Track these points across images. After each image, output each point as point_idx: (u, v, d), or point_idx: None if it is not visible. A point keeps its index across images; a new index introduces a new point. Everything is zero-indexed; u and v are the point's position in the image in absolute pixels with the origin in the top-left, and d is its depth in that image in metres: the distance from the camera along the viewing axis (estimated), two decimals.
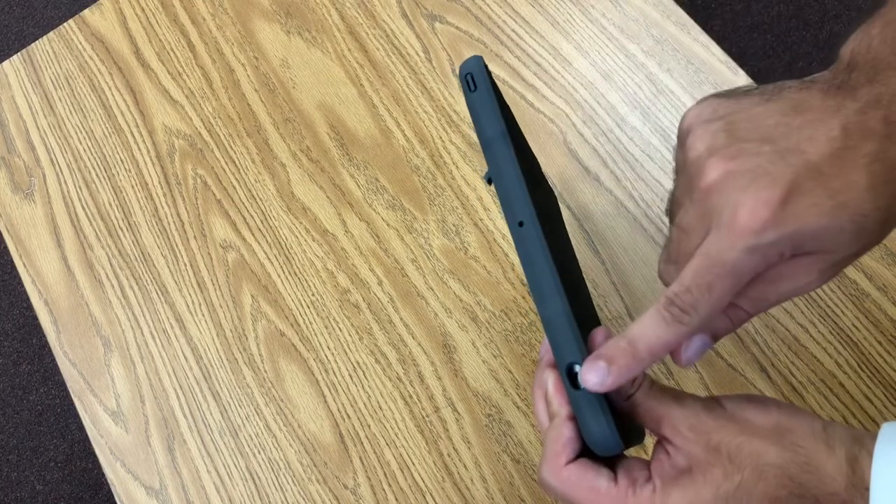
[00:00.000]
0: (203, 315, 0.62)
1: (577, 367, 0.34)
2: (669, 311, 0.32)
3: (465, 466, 0.55)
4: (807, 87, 0.33)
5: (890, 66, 0.31)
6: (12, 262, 1.47)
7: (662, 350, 0.33)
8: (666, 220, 0.59)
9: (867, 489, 0.30)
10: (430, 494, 0.55)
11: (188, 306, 0.63)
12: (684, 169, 0.34)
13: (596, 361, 0.33)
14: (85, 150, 0.70)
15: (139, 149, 0.69)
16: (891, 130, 0.30)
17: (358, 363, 0.59)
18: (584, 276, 0.58)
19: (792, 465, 0.32)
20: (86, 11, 0.76)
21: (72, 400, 0.62)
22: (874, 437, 0.31)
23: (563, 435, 0.34)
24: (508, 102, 0.66)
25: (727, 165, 0.31)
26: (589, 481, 0.33)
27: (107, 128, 0.70)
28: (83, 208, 0.68)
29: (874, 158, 0.30)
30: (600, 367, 0.33)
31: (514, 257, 0.60)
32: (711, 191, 0.32)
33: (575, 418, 0.35)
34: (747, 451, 0.32)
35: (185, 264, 0.64)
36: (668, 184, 0.60)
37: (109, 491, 1.36)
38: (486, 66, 0.37)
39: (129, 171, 0.68)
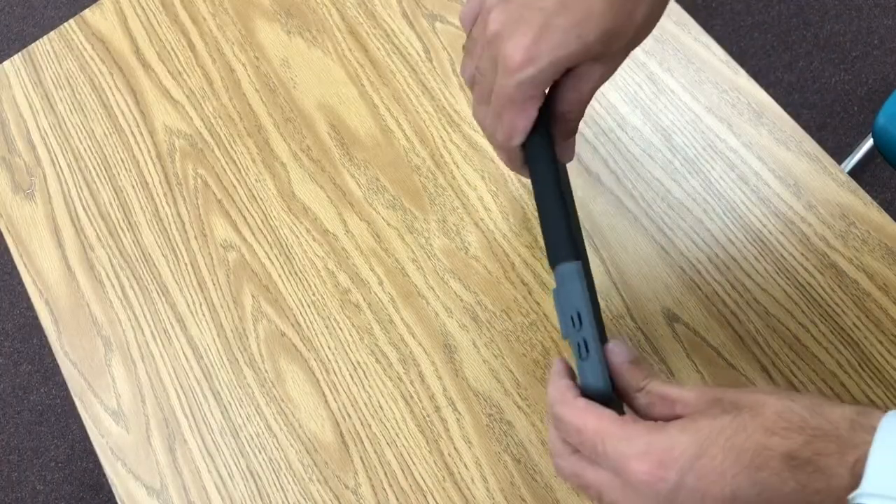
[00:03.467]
0: (204, 315, 0.62)
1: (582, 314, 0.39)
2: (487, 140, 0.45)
3: (465, 466, 0.55)
4: None
5: None
6: (12, 262, 1.47)
7: (504, 158, 0.46)
8: (667, 219, 0.59)
9: (874, 428, 0.32)
10: (431, 494, 0.55)
11: (189, 306, 0.63)
12: (480, 17, 0.43)
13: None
14: (85, 150, 0.70)
15: (140, 149, 0.69)
16: None
17: (358, 363, 0.59)
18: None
19: (794, 405, 0.34)
20: (86, 11, 0.76)
21: (72, 400, 0.62)
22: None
23: (565, 382, 0.40)
24: None
25: (500, 17, 0.40)
26: (597, 410, 0.37)
27: (107, 127, 0.70)
28: (84, 208, 0.68)
29: None
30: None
31: (515, 257, 0.60)
32: (492, 40, 0.41)
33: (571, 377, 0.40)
34: (749, 398, 0.35)
35: (186, 264, 0.64)
36: (669, 183, 0.60)
37: (110, 491, 1.36)
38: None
39: (130, 170, 0.68)
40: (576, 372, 0.40)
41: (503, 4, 0.41)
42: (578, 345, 0.39)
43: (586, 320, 0.39)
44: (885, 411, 0.33)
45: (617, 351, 0.40)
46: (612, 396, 0.39)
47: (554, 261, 0.41)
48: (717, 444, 0.34)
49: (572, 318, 0.39)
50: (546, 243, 0.42)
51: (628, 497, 0.36)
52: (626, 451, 0.36)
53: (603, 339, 0.42)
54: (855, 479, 0.31)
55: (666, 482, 0.35)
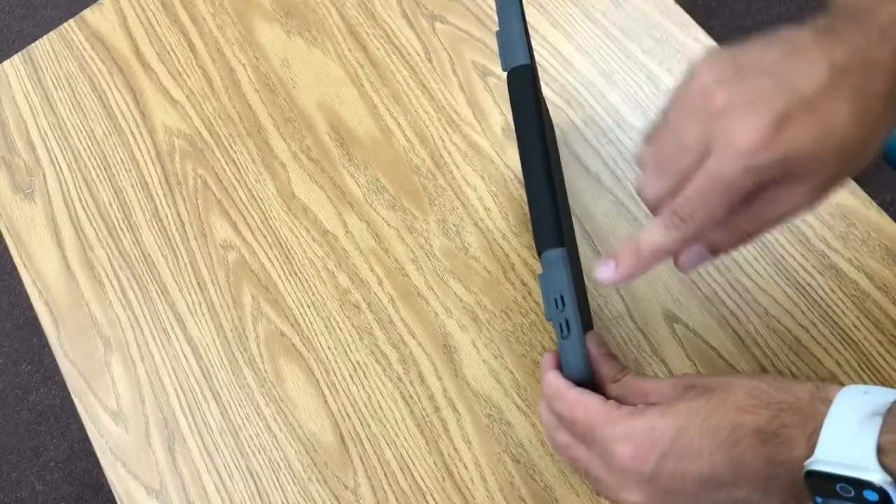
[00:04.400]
0: (203, 315, 0.62)
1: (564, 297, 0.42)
2: (671, 219, 0.38)
3: (465, 466, 0.55)
4: (801, 32, 0.37)
5: (869, 14, 0.35)
6: (12, 262, 1.47)
7: (662, 252, 0.39)
8: None
9: (831, 401, 0.34)
10: (431, 494, 0.55)
11: (188, 306, 0.63)
12: (687, 97, 0.39)
13: (606, 260, 0.41)
14: (85, 150, 0.70)
15: (139, 149, 0.69)
16: (870, 69, 0.35)
17: (358, 363, 0.59)
18: (585, 275, 0.58)
19: (761, 384, 0.37)
20: (86, 11, 0.76)
21: (72, 400, 0.62)
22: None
23: (557, 377, 0.42)
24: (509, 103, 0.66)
25: (731, 95, 0.36)
26: (585, 401, 0.40)
27: (107, 128, 0.70)
28: (83, 208, 0.68)
29: (856, 93, 0.35)
30: (609, 264, 0.40)
31: (515, 257, 0.60)
32: (716, 116, 0.36)
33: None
34: (720, 381, 0.38)
35: (186, 264, 0.64)
36: None
37: (110, 491, 1.36)
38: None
39: (130, 170, 0.68)
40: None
41: (736, 80, 0.36)
42: (560, 325, 0.41)
43: (568, 302, 0.41)
44: (843, 386, 0.35)
45: (594, 340, 0.44)
46: (590, 376, 0.42)
47: (541, 247, 0.43)
48: (694, 426, 0.36)
49: (556, 301, 0.42)
50: (534, 231, 0.44)
51: (613, 477, 0.39)
52: (609, 435, 0.38)
53: (587, 327, 0.45)
54: (811, 449, 0.33)
55: (647, 464, 0.37)
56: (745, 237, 0.40)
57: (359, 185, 0.65)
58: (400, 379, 0.58)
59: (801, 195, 0.37)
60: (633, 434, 0.38)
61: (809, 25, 0.37)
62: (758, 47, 0.38)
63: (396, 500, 0.55)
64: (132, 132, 0.70)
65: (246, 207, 0.65)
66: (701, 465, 0.36)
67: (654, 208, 0.40)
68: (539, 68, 0.66)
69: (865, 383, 0.53)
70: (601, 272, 0.41)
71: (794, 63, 0.36)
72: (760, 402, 0.36)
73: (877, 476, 0.31)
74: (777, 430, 0.35)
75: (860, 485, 0.32)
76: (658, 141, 0.40)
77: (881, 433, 0.32)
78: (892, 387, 0.53)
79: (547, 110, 0.58)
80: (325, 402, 0.58)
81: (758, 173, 0.35)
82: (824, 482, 0.33)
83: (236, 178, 0.67)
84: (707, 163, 0.36)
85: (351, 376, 0.59)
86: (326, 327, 0.60)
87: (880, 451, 0.32)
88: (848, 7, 0.37)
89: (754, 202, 0.37)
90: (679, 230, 0.38)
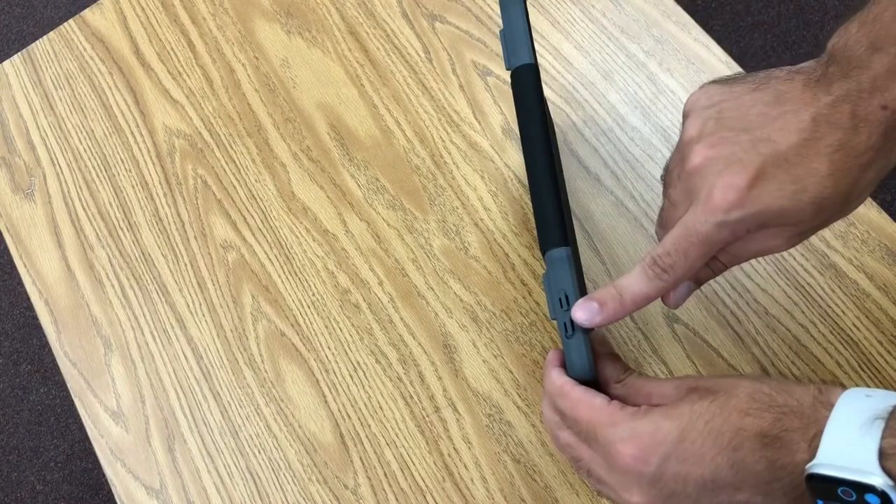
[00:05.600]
0: (203, 315, 0.62)
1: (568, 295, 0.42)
2: (652, 269, 0.39)
3: (465, 466, 0.55)
4: (791, 78, 0.37)
5: (860, 64, 0.35)
6: (12, 262, 1.47)
7: (644, 301, 0.40)
8: None
9: (832, 405, 0.34)
10: (431, 494, 0.55)
11: (188, 306, 0.63)
12: (679, 147, 0.40)
13: (589, 302, 0.41)
14: (85, 150, 0.70)
15: (139, 148, 0.69)
16: (856, 123, 0.34)
17: (358, 363, 0.59)
18: (585, 275, 0.58)
19: (763, 387, 0.37)
20: (86, 11, 0.76)
21: (72, 400, 0.62)
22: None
23: (561, 375, 0.42)
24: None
25: (708, 152, 0.37)
26: (589, 400, 0.40)
27: (107, 127, 0.70)
28: (83, 208, 0.68)
29: (838, 148, 0.35)
30: (592, 307, 0.40)
31: (515, 257, 0.60)
32: (693, 173, 0.38)
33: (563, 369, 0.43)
34: (723, 383, 0.38)
35: (186, 264, 0.64)
36: None
37: (109, 491, 1.36)
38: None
39: (130, 170, 0.68)
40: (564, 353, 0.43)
41: (713, 137, 0.38)
42: (565, 324, 0.41)
43: (573, 301, 0.41)
44: (845, 388, 0.35)
45: (598, 339, 0.44)
46: (594, 376, 0.41)
47: (545, 246, 0.43)
48: (697, 429, 0.36)
49: (560, 300, 0.42)
50: (538, 230, 0.44)
51: (614, 478, 0.39)
52: (612, 436, 0.38)
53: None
54: (813, 453, 0.33)
55: (649, 466, 0.37)
56: (723, 269, 0.41)
57: (359, 185, 0.65)
58: (400, 379, 0.58)
59: (778, 240, 0.38)
60: (635, 436, 0.38)
61: (802, 70, 0.37)
62: (745, 91, 0.38)
63: (396, 500, 0.55)
64: (132, 132, 0.70)
65: (246, 207, 0.65)
66: (703, 468, 0.36)
67: None
68: (539, 68, 0.66)
69: (866, 383, 0.53)
70: (582, 313, 0.40)
71: (777, 115, 0.36)
72: (763, 405, 0.36)
73: (878, 480, 0.31)
74: (779, 433, 0.35)
75: (862, 489, 0.32)
76: (664, 188, 0.43)
77: (883, 437, 0.32)
78: (892, 387, 0.53)
79: (548, 110, 0.58)
80: (325, 402, 0.58)
81: (732, 228, 0.37)
82: (826, 486, 0.33)
83: (236, 178, 0.67)
84: (685, 217, 0.38)
85: (351, 376, 0.59)
86: (326, 327, 0.60)
87: (882, 455, 0.32)
88: (841, 56, 0.36)
89: (732, 244, 0.39)
90: (661, 280, 0.39)
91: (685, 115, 0.40)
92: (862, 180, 0.36)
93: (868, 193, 0.37)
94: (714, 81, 0.41)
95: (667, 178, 0.43)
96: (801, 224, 0.37)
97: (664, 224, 0.42)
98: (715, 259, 0.40)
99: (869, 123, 0.35)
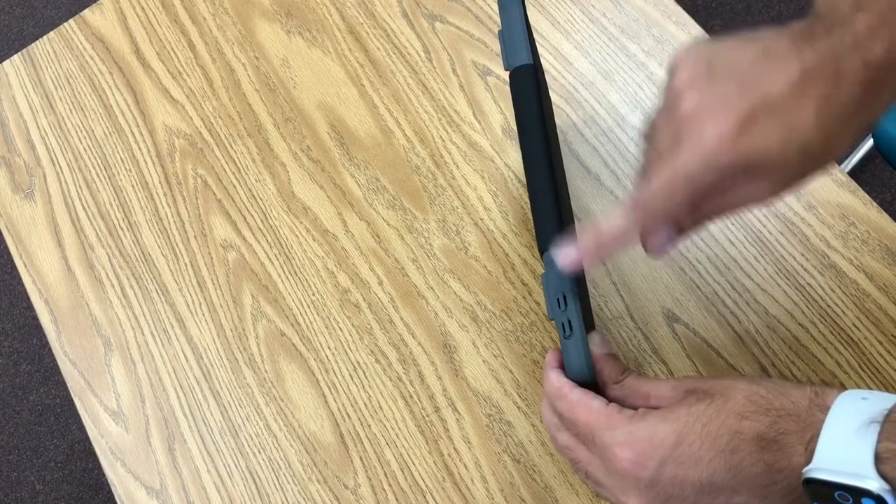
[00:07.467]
0: (203, 315, 0.62)
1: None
2: (634, 204, 0.39)
3: (465, 466, 0.55)
4: (778, 34, 0.38)
5: (844, 21, 0.36)
6: (12, 261, 1.47)
7: (622, 234, 0.40)
8: None
9: (828, 408, 0.34)
10: (431, 494, 0.55)
11: (188, 306, 0.63)
12: (667, 95, 0.40)
13: (566, 246, 0.41)
14: (85, 150, 0.70)
15: (139, 148, 0.69)
16: (839, 77, 0.35)
17: (358, 363, 0.59)
18: (585, 275, 0.58)
19: (760, 390, 0.37)
20: (86, 11, 0.76)
21: (72, 400, 0.62)
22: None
23: (559, 377, 0.42)
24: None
25: (699, 97, 0.37)
26: (587, 403, 0.40)
27: (107, 127, 0.70)
28: (83, 208, 0.68)
29: (823, 99, 0.35)
30: (569, 249, 0.41)
31: (515, 257, 0.60)
32: (684, 118, 0.38)
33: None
34: (720, 385, 0.38)
35: (186, 264, 0.64)
36: None
37: (110, 491, 1.36)
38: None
39: (130, 170, 0.68)
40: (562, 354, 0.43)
41: (704, 84, 0.38)
42: (563, 324, 0.41)
43: (571, 301, 0.42)
44: (842, 390, 0.35)
45: (597, 341, 0.43)
46: (592, 376, 0.42)
47: (543, 247, 0.43)
48: (694, 432, 0.37)
49: (558, 300, 0.42)
50: (536, 230, 0.44)
51: (613, 481, 0.39)
52: (610, 439, 0.38)
53: (589, 327, 0.45)
54: (809, 456, 0.34)
55: (647, 469, 0.37)
56: (706, 220, 0.41)
57: (359, 185, 0.65)
58: (400, 379, 0.58)
59: (761, 191, 0.38)
60: (633, 439, 0.38)
61: (788, 29, 0.38)
62: (735, 46, 0.38)
63: (396, 500, 0.55)
64: (132, 132, 0.70)
65: (246, 207, 0.65)
66: (700, 472, 0.36)
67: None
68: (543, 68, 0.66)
69: (865, 383, 0.53)
70: (561, 257, 0.41)
71: (765, 65, 0.37)
72: (760, 407, 0.36)
73: (874, 484, 0.31)
74: (776, 436, 0.35)
75: (858, 492, 0.32)
76: (646, 143, 0.42)
77: (878, 441, 0.32)
78: (892, 387, 0.53)
79: (552, 110, 0.58)
80: (325, 401, 0.58)
81: (720, 171, 0.37)
82: (823, 489, 0.33)
83: (236, 178, 0.67)
84: (674, 159, 0.38)
85: (351, 376, 0.59)
86: (326, 327, 0.60)
87: (878, 460, 0.32)
88: (827, 13, 0.37)
89: (716, 190, 0.38)
90: (642, 215, 0.39)
91: (673, 69, 0.40)
92: (844, 132, 0.37)
93: (846, 146, 0.38)
94: (700, 42, 0.41)
95: (650, 131, 0.42)
96: (785, 172, 0.37)
97: (647, 174, 0.41)
98: (698, 208, 0.40)
99: (850, 78, 0.35)
